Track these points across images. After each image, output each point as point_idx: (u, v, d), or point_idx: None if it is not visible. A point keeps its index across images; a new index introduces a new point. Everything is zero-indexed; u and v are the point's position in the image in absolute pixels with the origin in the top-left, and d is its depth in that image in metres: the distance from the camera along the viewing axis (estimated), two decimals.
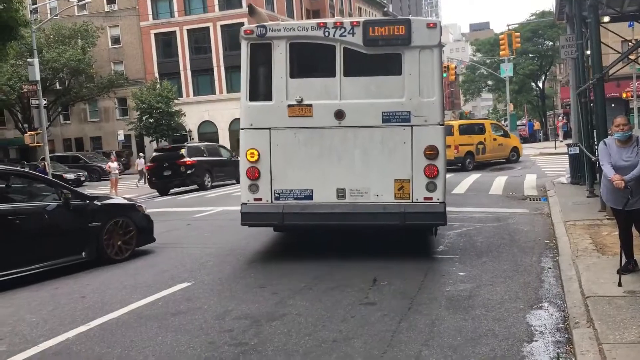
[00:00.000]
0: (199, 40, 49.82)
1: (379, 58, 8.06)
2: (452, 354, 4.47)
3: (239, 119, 8.45)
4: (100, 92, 46.34)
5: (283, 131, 8.08)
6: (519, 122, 54.86)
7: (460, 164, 23.55)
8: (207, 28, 49.84)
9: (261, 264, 8.06)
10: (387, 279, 6.80)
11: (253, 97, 8.20)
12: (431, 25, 7.90)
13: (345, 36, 7.95)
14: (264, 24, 8.20)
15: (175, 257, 8.70)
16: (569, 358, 4.28)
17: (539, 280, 6.50)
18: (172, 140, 46.67)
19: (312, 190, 8.05)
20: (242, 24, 49.13)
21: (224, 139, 48.34)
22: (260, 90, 8.26)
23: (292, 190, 8.07)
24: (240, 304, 6.07)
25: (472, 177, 19.80)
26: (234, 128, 48.81)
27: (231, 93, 48.61)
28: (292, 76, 8.08)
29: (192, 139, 48.98)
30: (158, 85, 44.02)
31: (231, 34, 49.76)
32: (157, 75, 48.29)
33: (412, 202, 7.81)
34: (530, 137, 47.31)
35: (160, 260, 8.58)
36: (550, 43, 52.44)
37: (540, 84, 58.17)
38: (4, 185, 8.24)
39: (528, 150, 33.16)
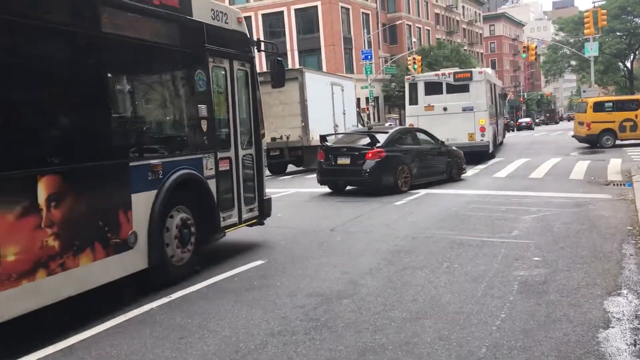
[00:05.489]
0: (274, 24, 50.51)
1: (460, 86, 20.74)
2: (524, 337, 4.43)
3: None
4: None
5: (423, 116, 20.73)
6: None
7: (597, 142, 23.83)
8: (282, 12, 50.36)
9: (332, 244, 8.20)
10: (458, 262, 6.77)
11: (411, 103, 21.64)
12: (480, 72, 21.29)
13: (446, 77, 20.95)
14: (415, 74, 25.63)
15: (249, 236, 8.98)
16: None
17: (619, 267, 6.27)
18: None
19: None
20: (315, 7, 49.34)
21: None
22: (413, 100, 21.53)
23: None
24: (311, 282, 6.24)
25: (552, 162, 19.15)
26: None
27: None
28: (425, 94, 21.16)
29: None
30: None
31: (305, 18, 50.12)
32: None
33: (475, 141, 20.33)
34: None
35: (235, 238, 8.87)
36: None
37: (628, 64, 54.93)
38: (412, 136, 15.06)
39: None
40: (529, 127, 61.75)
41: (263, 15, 50.21)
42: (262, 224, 8.41)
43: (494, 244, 7.69)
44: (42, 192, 4.76)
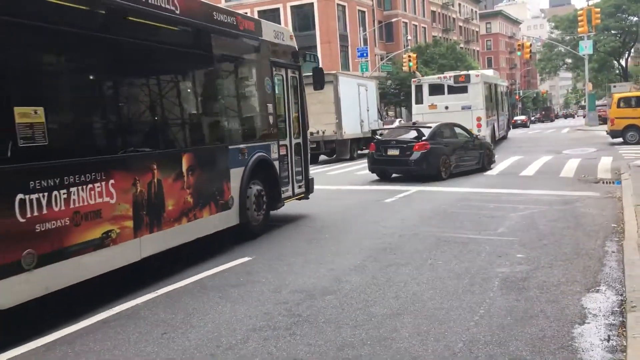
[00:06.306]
0: (270, 21, 50.33)
1: (460, 87, 24.25)
2: (501, 332, 4.50)
3: None
4: None
5: (427, 114, 23.51)
6: (598, 102, 52.22)
7: (620, 137, 23.80)
8: (278, 9, 50.34)
9: (320, 241, 8.28)
10: (442, 260, 6.85)
11: (417, 102, 25.15)
12: (477, 75, 24.92)
13: (447, 80, 24.67)
14: (420, 78, 27.99)
15: (236, 233, 9.03)
16: (619, 340, 4.22)
17: (600, 264, 6.35)
18: None
19: None
20: (311, 4, 49.36)
21: None
22: (419, 100, 25.04)
23: None
24: (297, 279, 6.31)
25: (544, 159, 19.25)
26: None
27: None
28: (429, 95, 24.77)
29: None
30: None
31: (301, 15, 50.10)
32: None
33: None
34: None
35: (223, 234, 8.92)
36: (635, 18, 49.42)
37: (623, 62, 55.02)
38: (451, 130, 16.52)
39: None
40: (524, 124, 61.81)
41: (259, 12, 50.12)
42: (308, 198, 10.50)
43: (479, 241, 7.77)
44: (184, 164, 6.97)
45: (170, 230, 6.66)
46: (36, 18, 5.12)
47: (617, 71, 56.22)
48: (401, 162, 15.18)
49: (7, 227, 4.63)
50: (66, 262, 5.15)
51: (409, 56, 44.83)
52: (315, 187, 14.25)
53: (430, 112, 23.93)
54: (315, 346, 4.41)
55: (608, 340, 4.25)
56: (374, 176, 16.30)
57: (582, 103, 51.21)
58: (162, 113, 7.11)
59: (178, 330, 4.89)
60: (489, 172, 16.46)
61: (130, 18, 6.27)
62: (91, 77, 6.14)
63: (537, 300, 5.24)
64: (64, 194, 5.12)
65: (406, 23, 65.29)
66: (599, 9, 37.51)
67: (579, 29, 36.83)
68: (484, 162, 16.90)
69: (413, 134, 15.42)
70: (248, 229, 8.48)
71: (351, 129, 23.73)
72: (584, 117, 49.57)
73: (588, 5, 38.34)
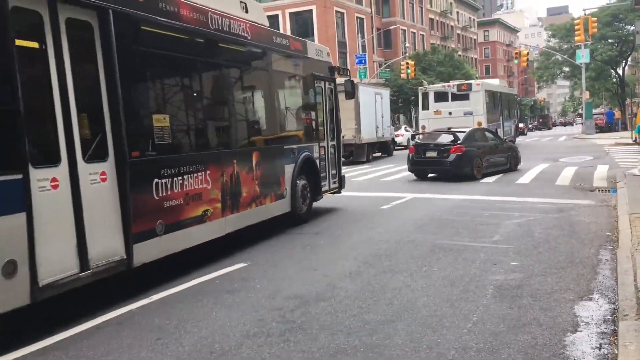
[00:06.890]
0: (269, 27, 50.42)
1: (462, 95, 27.34)
2: (493, 340, 4.52)
3: None
4: None
5: (432, 119, 27.07)
6: (595, 111, 52.35)
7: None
8: (277, 16, 50.39)
9: (316, 248, 8.29)
10: (437, 267, 6.87)
11: (423, 109, 28.67)
12: (478, 84, 28.34)
13: (451, 88, 27.86)
14: (427, 86, 31.32)
15: (232, 239, 9.04)
16: (611, 349, 4.24)
17: (593, 272, 6.38)
18: None
19: None
20: (310, 11, 49.49)
21: None
22: (425, 107, 28.51)
23: None
24: (291, 285, 6.33)
25: (540, 167, 19.29)
26: None
27: None
28: (434, 102, 28.05)
29: None
30: None
31: (300, 22, 50.16)
32: None
33: None
34: (607, 127, 44.94)
35: (219, 240, 8.93)
36: (632, 27, 49.57)
37: (619, 71, 55.14)
38: (482, 134, 18.20)
39: (603, 140, 31.77)
40: (521, 132, 61.84)
41: None
42: (340, 192, 12.27)
43: (475, 248, 7.79)
44: (254, 159, 8.66)
45: (244, 212, 8.29)
46: (161, 47, 6.79)
47: (614, 80, 56.36)
48: (439, 163, 16.63)
49: (148, 202, 6.25)
50: (181, 232, 6.82)
51: (407, 63, 44.96)
52: None
53: (435, 118, 26.89)
54: (309, 353, 4.42)
55: (600, 349, 4.27)
56: (371, 182, 16.32)
57: (580, 111, 51.43)
58: (240, 118, 8.72)
59: (172, 336, 4.89)
60: (484, 180, 16.50)
61: (220, 44, 7.97)
62: (195, 91, 7.84)
63: (530, 308, 5.26)
64: (180, 179, 6.81)
65: (404, 30, 65.47)
66: (595, 18, 37.71)
67: (576, 38, 36.98)
68: (511, 164, 18.41)
69: (449, 137, 16.85)
70: (296, 216, 10.08)
71: (368, 134, 25.81)
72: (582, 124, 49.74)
73: (585, 14, 38.48)
